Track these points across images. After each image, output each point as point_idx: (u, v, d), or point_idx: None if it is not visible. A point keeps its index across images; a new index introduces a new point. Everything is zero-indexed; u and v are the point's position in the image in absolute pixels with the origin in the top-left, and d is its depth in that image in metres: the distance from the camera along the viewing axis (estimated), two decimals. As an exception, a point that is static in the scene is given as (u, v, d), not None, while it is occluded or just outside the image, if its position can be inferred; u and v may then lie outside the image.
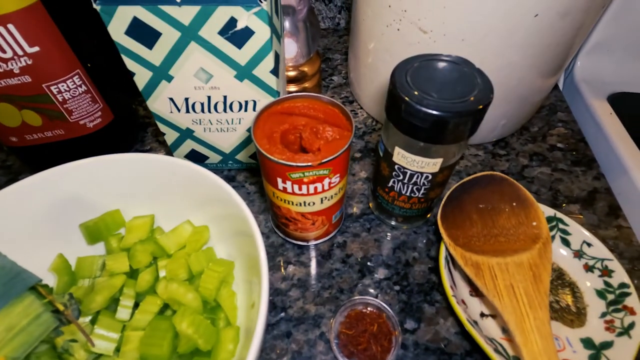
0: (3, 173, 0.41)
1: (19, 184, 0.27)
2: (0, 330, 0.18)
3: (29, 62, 0.29)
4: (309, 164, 0.25)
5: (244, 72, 0.31)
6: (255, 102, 0.34)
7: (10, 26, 0.27)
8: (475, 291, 0.32)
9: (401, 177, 0.30)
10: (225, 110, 0.34)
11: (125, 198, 0.31)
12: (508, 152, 0.44)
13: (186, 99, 0.33)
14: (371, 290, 0.33)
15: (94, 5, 0.26)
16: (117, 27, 0.27)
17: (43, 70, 0.30)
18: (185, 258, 0.28)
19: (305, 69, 0.47)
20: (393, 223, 0.37)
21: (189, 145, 0.38)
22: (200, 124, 0.36)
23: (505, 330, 0.30)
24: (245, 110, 0.34)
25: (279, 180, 0.28)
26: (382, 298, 0.32)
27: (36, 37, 0.28)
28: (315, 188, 0.28)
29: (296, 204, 0.30)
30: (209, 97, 0.33)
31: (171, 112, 0.34)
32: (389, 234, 0.37)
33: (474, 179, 0.34)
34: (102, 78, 0.36)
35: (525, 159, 0.44)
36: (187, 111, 0.34)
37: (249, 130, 0.36)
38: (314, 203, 0.30)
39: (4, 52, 0.28)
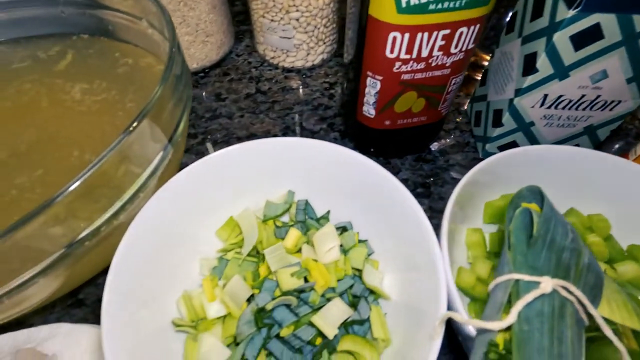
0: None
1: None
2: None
3: (460, 58, 0.33)
4: None
5: None
6: (618, 102, 0.36)
7: (472, 27, 0.30)
8: None
9: None
10: (584, 109, 0.37)
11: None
12: None
13: (559, 97, 0.36)
14: None
15: (570, 10, 0.29)
16: (566, 32, 0.30)
17: (459, 65, 0.34)
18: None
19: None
20: None
21: (512, 137, 0.41)
22: (546, 119, 0.39)
23: None
24: (593, 109, 0.37)
25: None
26: None
27: (477, 39, 0.32)
28: None
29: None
30: (581, 96, 0.36)
31: (532, 106, 0.37)
32: None
33: None
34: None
35: None
36: (549, 107, 0.37)
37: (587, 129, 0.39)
38: None
39: (456, 47, 0.31)
